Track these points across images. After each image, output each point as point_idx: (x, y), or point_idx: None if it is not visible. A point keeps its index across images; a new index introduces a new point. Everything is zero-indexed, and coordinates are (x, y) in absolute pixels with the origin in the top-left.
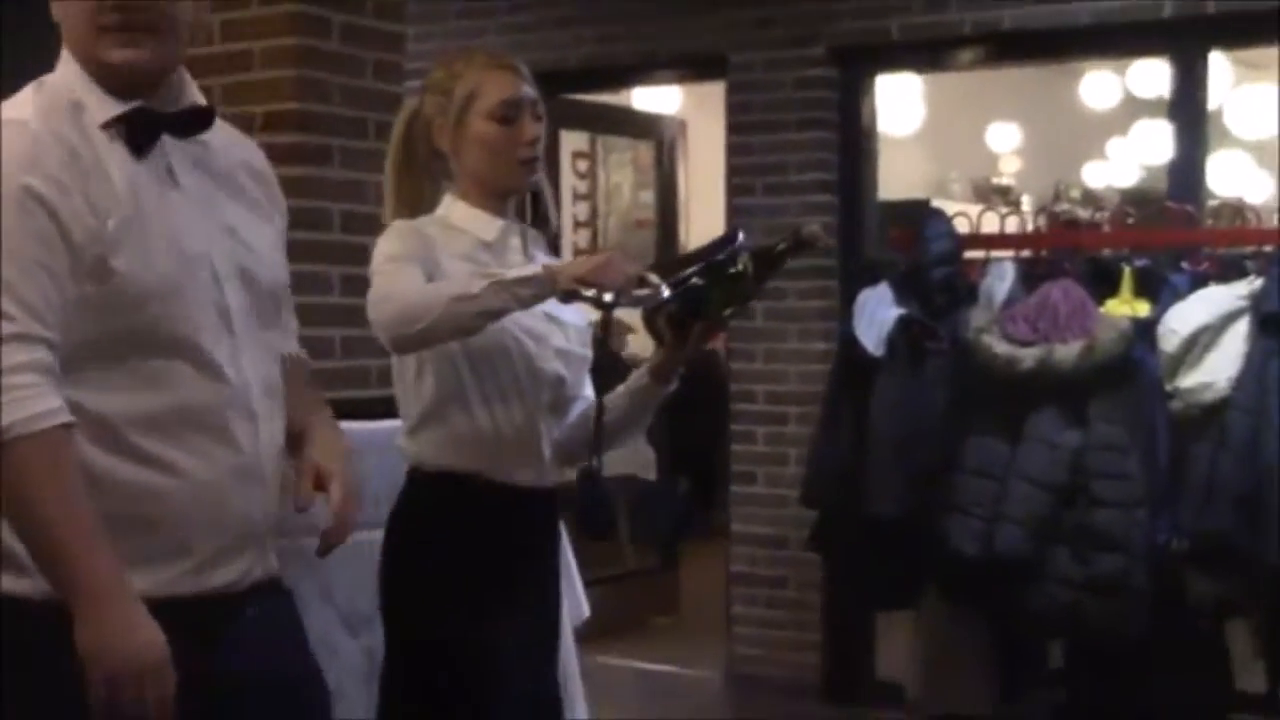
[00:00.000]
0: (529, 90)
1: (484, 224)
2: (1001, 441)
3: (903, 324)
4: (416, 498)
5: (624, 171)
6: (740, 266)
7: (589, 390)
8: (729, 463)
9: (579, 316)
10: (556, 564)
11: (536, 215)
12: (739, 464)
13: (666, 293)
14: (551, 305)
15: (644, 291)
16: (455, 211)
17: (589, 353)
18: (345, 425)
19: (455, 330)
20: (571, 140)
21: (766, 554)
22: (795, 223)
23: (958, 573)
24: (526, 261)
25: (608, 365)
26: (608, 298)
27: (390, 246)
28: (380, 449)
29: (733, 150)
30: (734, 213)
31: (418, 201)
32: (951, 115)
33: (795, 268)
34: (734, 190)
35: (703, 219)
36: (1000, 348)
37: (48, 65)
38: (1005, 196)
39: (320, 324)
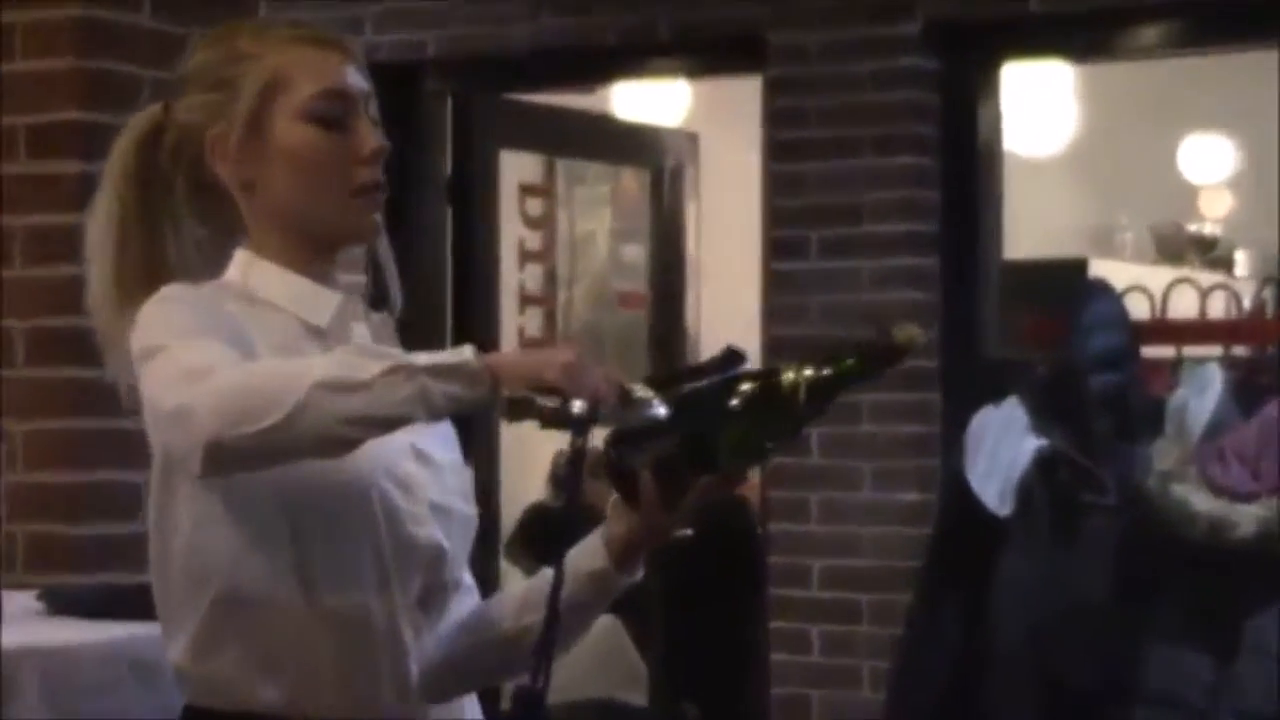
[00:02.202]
0: (361, 79)
1: (307, 297)
2: (1203, 653)
3: (1044, 464)
4: None
5: (599, 216)
6: (788, 385)
7: (467, 575)
8: (766, 682)
9: (451, 449)
10: None
11: (371, 291)
12: (783, 684)
13: (661, 411)
14: (419, 434)
15: (633, 410)
16: (256, 276)
17: (473, 511)
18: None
19: (320, 440)
20: (517, 166)
21: None
22: (872, 308)
23: None
24: None
25: (573, 523)
26: (577, 408)
27: (169, 316)
28: (148, 668)
29: (775, 184)
30: (776, 282)
31: (157, 271)
32: (1123, 127)
33: None
34: (776, 248)
35: (724, 293)
36: (1200, 503)
37: None
38: (1207, 254)
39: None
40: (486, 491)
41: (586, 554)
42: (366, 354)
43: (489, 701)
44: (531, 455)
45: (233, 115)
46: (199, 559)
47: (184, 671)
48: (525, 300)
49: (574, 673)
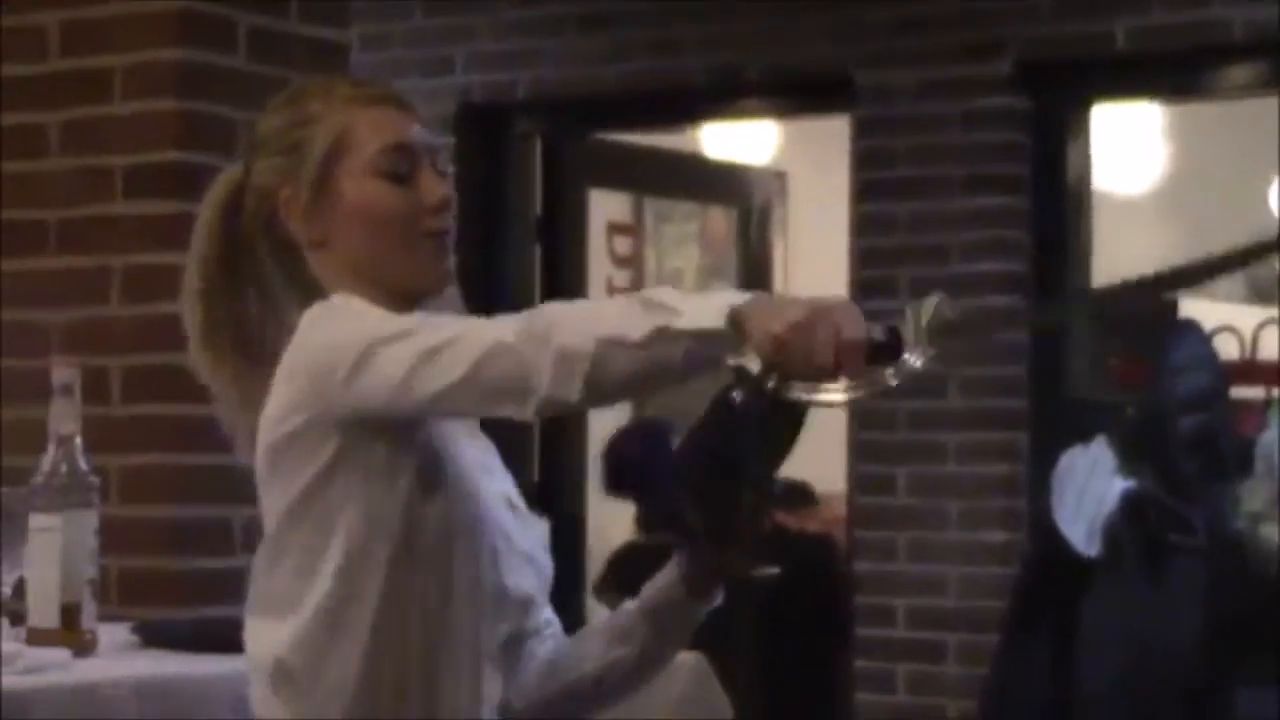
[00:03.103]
0: (424, 134)
1: None
2: None
3: (1132, 506)
4: None
5: (687, 252)
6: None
7: (548, 614)
8: None
9: (523, 502)
10: None
11: None
12: None
13: (916, 363)
14: (508, 485)
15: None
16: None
17: (550, 562)
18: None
19: (626, 385)
20: (606, 204)
21: None
22: (962, 348)
23: None
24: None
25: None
26: (836, 397)
27: (366, 314)
28: (245, 702)
29: (863, 224)
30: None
31: (248, 331)
32: (1212, 166)
33: (963, 412)
34: (864, 286)
35: None
36: None
37: None
38: None
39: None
40: (574, 530)
41: (663, 588)
42: (636, 304)
43: None
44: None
45: (301, 177)
46: (293, 586)
47: (263, 702)
48: None
49: (658, 711)
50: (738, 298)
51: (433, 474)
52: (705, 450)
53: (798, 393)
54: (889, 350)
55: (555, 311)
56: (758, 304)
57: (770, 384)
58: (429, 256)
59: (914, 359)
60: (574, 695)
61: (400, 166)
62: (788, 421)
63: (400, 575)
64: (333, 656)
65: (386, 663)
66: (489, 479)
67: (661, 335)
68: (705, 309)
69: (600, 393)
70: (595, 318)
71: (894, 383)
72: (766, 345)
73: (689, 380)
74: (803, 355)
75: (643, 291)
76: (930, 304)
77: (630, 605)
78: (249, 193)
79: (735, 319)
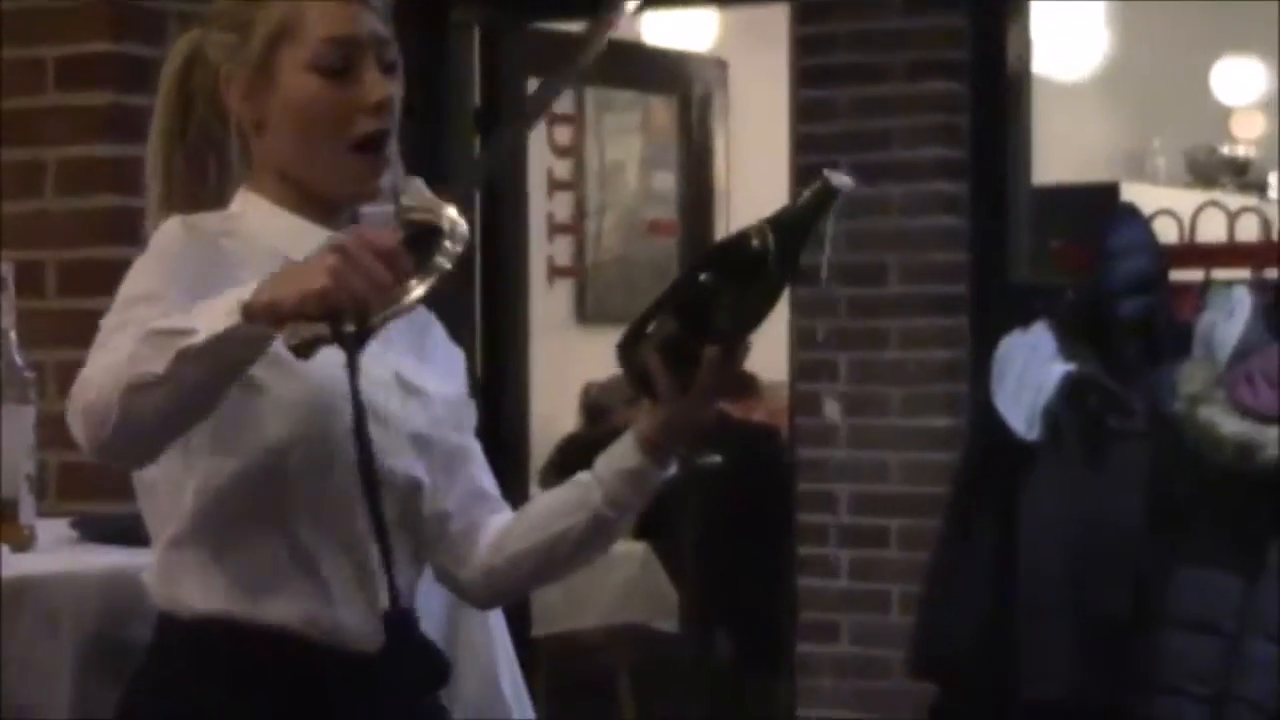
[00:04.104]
0: (376, 25)
1: (296, 233)
2: (1232, 575)
3: (1072, 388)
4: (167, 661)
5: (628, 144)
6: (755, 243)
7: (485, 481)
8: (795, 607)
9: (450, 382)
10: None
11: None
12: (811, 609)
13: (418, 293)
14: (406, 365)
15: (417, 291)
16: (252, 212)
17: (464, 441)
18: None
19: (167, 416)
20: None
21: None
22: (902, 234)
23: None
24: None
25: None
26: (349, 328)
27: (145, 271)
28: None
29: (805, 111)
30: None
31: (200, 189)
32: (1154, 48)
33: (904, 298)
34: (805, 175)
35: (755, 219)
36: (1228, 426)
37: None
38: (1240, 178)
39: None
40: (517, 421)
41: (620, 454)
42: (153, 336)
43: None
44: (564, 385)
45: (243, 58)
46: (171, 487)
47: (155, 582)
48: (554, 229)
49: (606, 599)
50: (244, 291)
51: (260, 378)
52: (674, 309)
53: (376, 320)
54: (426, 238)
55: (84, 375)
56: (270, 284)
57: (349, 328)
58: (358, 167)
59: (449, 246)
60: (524, 565)
61: (340, 61)
62: (762, 288)
63: (250, 481)
64: (201, 557)
65: (266, 563)
66: (370, 363)
67: (182, 359)
68: (215, 316)
69: (144, 435)
70: (118, 368)
71: (447, 265)
72: (314, 302)
73: (236, 377)
74: (361, 286)
75: (153, 323)
76: (413, 184)
77: (584, 476)
78: (201, 61)
79: (252, 309)
